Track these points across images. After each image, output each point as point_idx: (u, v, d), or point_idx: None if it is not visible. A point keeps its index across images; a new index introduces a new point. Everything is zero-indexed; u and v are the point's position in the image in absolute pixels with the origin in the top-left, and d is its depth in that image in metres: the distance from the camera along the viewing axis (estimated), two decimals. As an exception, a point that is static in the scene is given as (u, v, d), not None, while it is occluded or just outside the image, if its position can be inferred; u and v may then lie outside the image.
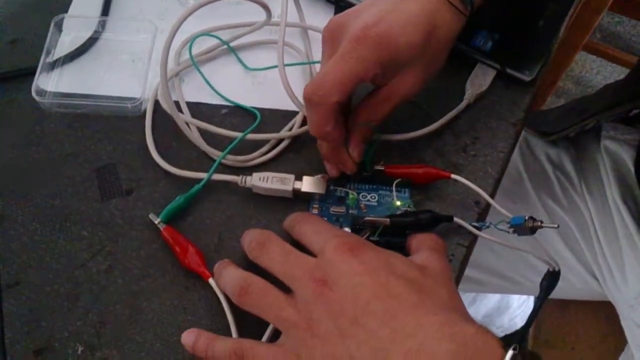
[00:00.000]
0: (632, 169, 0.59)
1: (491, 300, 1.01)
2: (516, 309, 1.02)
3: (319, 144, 0.42)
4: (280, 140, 0.46)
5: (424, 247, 0.38)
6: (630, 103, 0.56)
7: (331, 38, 0.39)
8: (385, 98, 0.40)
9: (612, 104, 0.57)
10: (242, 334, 0.37)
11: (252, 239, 0.38)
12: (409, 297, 0.32)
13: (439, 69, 0.42)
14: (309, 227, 0.38)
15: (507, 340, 0.30)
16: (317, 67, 0.47)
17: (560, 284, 0.41)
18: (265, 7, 0.46)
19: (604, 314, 0.74)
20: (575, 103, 0.70)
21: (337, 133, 0.40)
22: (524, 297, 1.01)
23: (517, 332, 0.32)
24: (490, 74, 0.48)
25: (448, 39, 0.41)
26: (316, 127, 0.39)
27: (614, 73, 1.57)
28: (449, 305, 0.33)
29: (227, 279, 0.37)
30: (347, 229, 0.41)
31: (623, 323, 0.63)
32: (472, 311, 0.96)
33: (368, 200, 0.43)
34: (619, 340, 0.67)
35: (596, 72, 1.58)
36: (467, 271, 0.45)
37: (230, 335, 0.38)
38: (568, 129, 0.62)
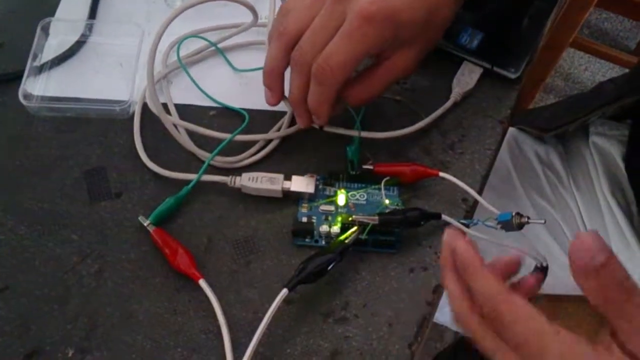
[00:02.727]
0: (621, 164, 0.60)
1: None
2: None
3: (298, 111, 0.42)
4: (269, 141, 0.46)
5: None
6: (636, 94, 0.56)
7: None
8: (381, 75, 0.41)
9: (617, 96, 0.58)
10: (233, 335, 0.37)
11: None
12: None
13: (432, 48, 0.42)
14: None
15: None
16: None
17: (550, 279, 0.41)
18: (252, 9, 0.46)
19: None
20: (574, 100, 0.70)
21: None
22: (516, 293, 1.02)
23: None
24: (477, 72, 0.49)
25: (446, 19, 0.41)
26: (316, 103, 0.40)
27: (602, 69, 1.58)
28: None
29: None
30: (336, 229, 0.41)
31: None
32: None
33: (357, 199, 0.43)
34: (610, 334, 0.67)
35: (584, 69, 1.59)
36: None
37: (220, 337, 0.37)
38: (569, 124, 0.62)
